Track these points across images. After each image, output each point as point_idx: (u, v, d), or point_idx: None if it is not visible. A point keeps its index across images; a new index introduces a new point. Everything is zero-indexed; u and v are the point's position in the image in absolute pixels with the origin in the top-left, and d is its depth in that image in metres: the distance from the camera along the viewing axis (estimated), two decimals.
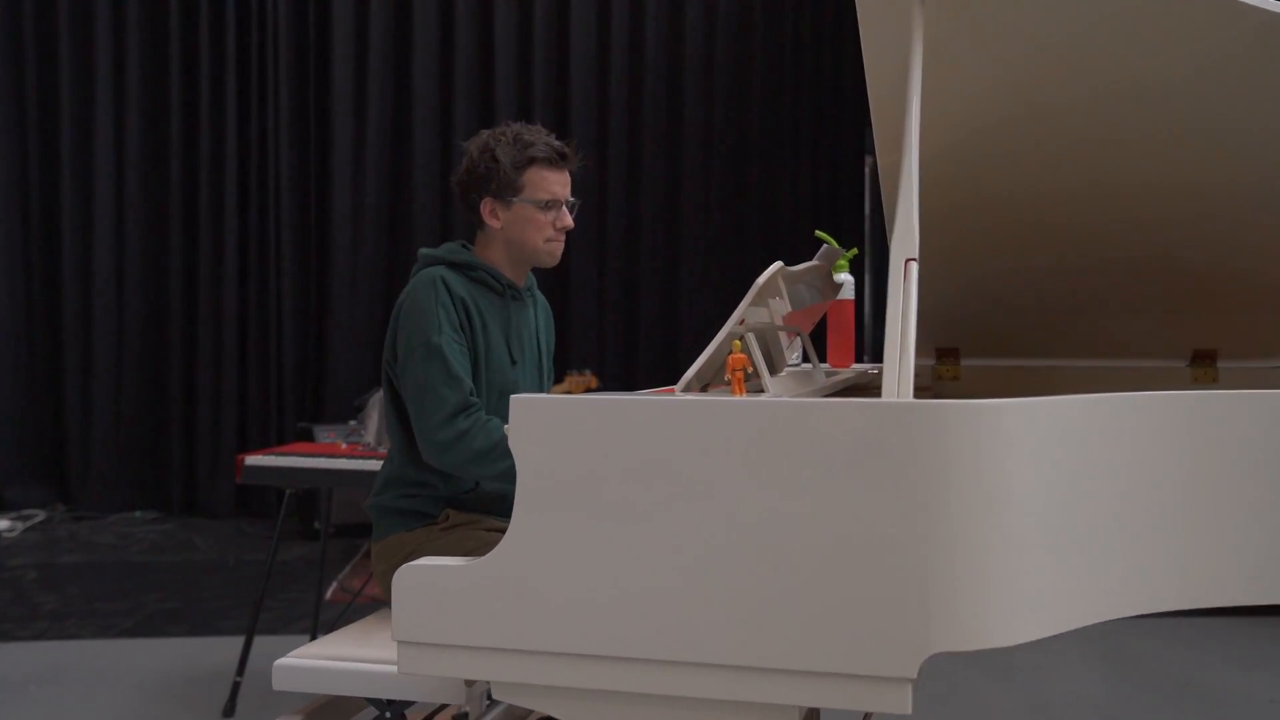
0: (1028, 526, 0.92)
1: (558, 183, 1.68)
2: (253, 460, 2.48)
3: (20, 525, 4.77)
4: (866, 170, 5.33)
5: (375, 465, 2.44)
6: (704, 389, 1.24)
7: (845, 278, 1.72)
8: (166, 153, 5.29)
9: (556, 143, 1.68)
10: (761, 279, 1.17)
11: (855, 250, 1.80)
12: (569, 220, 1.70)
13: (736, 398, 1.00)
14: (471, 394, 1.55)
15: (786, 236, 5.37)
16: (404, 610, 1.05)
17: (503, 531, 1.09)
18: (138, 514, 5.15)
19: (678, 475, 0.95)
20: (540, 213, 1.66)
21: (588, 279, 5.38)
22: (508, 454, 1.49)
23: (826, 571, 0.89)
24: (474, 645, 1.02)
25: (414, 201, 5.34)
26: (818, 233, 1.81)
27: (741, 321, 1.18)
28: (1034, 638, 0.94)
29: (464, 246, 1.72)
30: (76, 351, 5.25)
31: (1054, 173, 1.49)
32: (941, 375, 1.86)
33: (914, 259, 1.06)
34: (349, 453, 2.58)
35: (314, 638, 2.76)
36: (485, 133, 1.68)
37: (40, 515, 4.97)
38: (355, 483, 2.43)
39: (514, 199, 1.64)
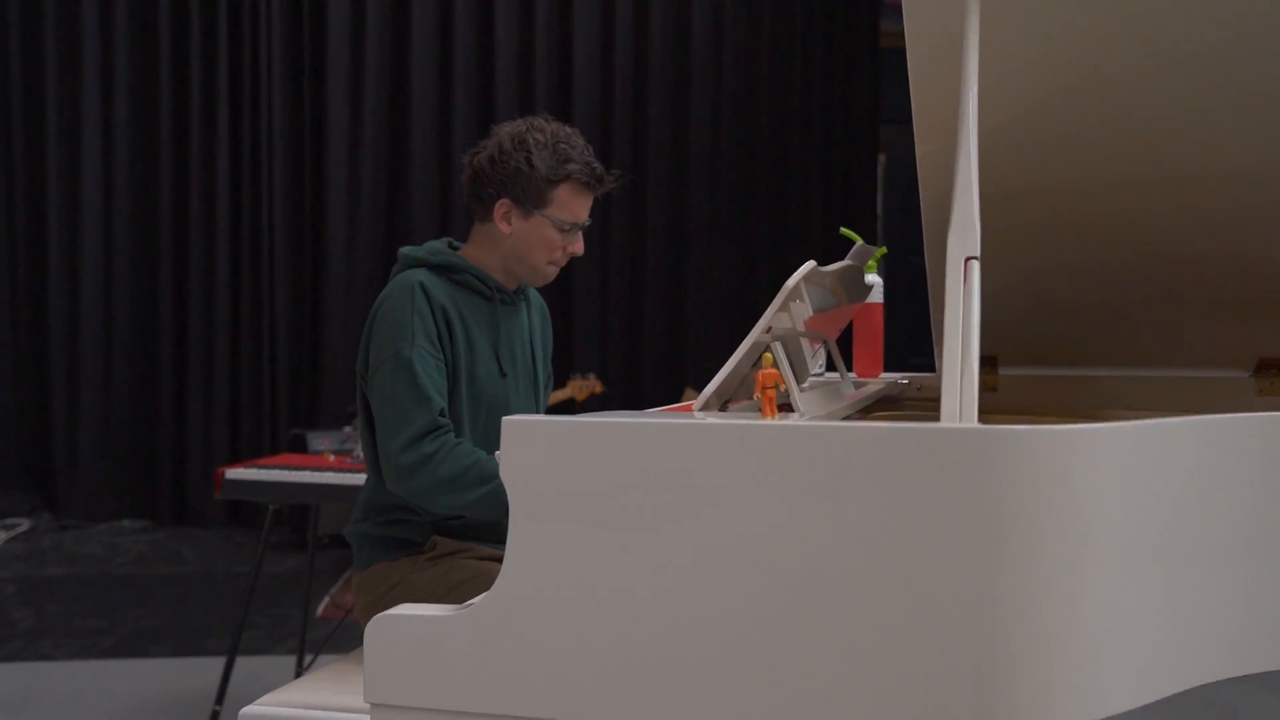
0: (1125, 574, 0.77)
1: (585, 207, 1.52)
2: (234, 474, 2.33)
3: (3, 534, 4.62)
4: (880, 170, 5.18)
5: (363, 479, 2.30)
6: (724, 406, 1.09)
7: (874, 279, 1.57)
8: (156, 153, 5.14)
9: (597, 164, 1.51)
10: (794, 280, 1.02)
11: (884, 249, 1.64)
12: (580, 247, 1.55)
13: (769, 421, 0.85)
14: (442, 414, 1.39)
15: (794, 235, 5.21)
16: (378, 668, 0.89)
17: (496, 560, 0.94)
18: (125, 523, 5.00)
19: (700, 512, 0.80)
20: (557, 234, 1.50)
21: (591, 279, 5.21)
22: (478, 482, 1.35)
23: (884, 635, 0.74)
24: (460, 710, 0.87)
25: (411, 203, 5.18)
26: (842, 230, 1.66)
27: (768, 329, 1.03)
28: (1131, 706, 0.79)
29: (450, 245, 1.56)
30: (64, 355, 5.10)
31: (1109, 158, 1.33)
32: (979, 386, 1.70)
33: (975, 256, 0.90)
34: (336, 465, 2.43)
35: (300, 660, 2.62)
36: (522, 123, 1.50)
37: (25, 524, 4.82)
38: (342, 497, 2.28)
39: (535, 211, 1.48)
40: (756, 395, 0.89)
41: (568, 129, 1.52)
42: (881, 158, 5.36)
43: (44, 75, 5.09)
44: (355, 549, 1.52)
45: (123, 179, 5.15)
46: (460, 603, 0.93)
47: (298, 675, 2.46)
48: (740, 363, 1.01)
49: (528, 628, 0.84)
